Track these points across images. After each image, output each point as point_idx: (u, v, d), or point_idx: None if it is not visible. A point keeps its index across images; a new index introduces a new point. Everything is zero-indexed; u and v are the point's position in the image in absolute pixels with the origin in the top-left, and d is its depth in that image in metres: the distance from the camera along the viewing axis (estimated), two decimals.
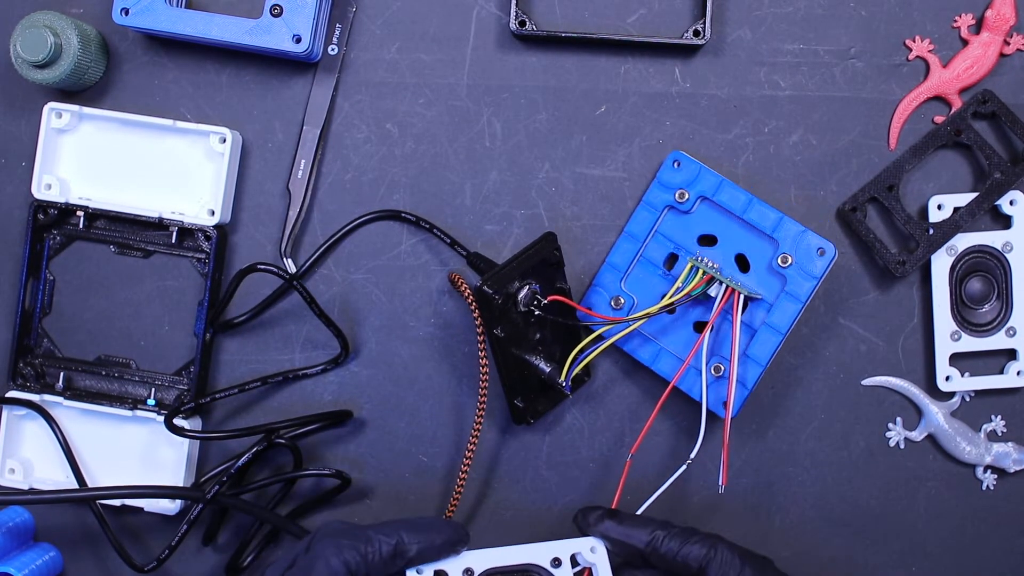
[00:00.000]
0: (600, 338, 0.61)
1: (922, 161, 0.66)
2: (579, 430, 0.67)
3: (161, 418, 0.65)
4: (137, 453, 0.67)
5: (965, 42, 0.65)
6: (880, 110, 0.66)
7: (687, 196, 0.63)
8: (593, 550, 0.57)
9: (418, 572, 0.54)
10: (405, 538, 0.54)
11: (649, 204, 0.64)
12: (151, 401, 0.67)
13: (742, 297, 0.61)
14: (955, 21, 0.66)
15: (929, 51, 0.65)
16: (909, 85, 0.66)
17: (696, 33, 0.64)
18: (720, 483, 0.61)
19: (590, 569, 0.57)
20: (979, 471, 0.66)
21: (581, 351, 0.61)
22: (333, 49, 0.67)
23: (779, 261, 0.62)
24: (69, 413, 0.67)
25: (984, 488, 0.66)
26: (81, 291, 0.68)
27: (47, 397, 0.67)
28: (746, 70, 0.66)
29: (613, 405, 0.67)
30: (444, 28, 0.67)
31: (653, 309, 0.61)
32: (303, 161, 0.67)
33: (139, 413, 0.66)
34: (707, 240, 0.64)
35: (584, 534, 0.58)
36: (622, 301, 0.64)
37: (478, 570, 0.55)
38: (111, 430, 0.67)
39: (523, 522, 0.67)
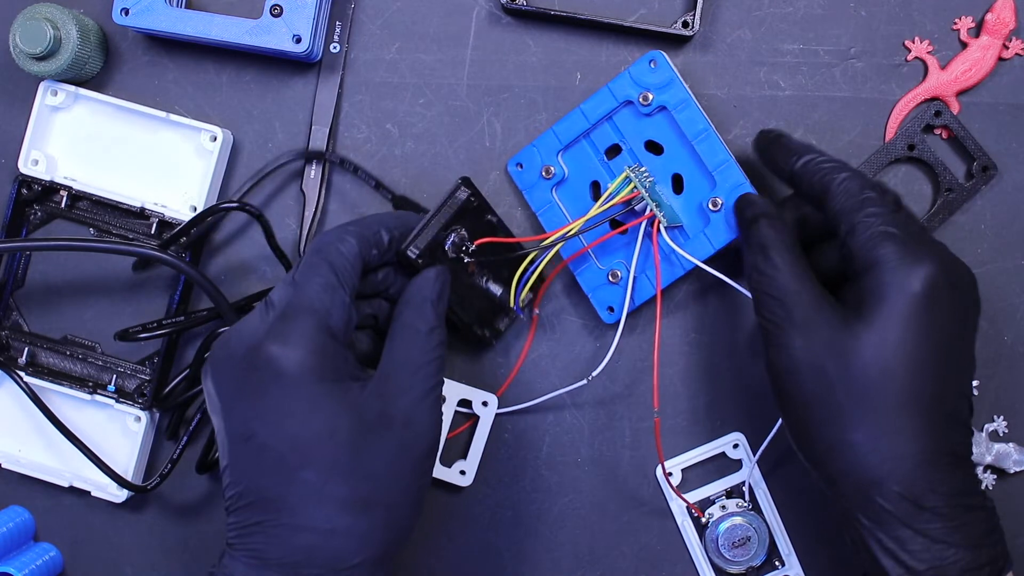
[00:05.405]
0: (541, 253, 0.62)
1: (877, 176, 0.65)
2: (579, 430, 0.67)
3: (119, 406, 0.66)
4: (90, 439, 0.66)
5: (964, 44, 0.66)
6: (880, 110, 0.66)
7: (651, 100, 0.63)
8: (485, 404, 0.65)
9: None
10: (392, 224, 0.57)
11: (612, 92, 0.63)
12: (111, 387, 0.67)
13: (661, 227, 0.62)
14: (955, 23, 0.66)
15: (928, 52, 0.66)
16: (909, 85, 0.66)
17: (685, 24, 0.65)
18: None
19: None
20: (979, 471, 0.66)
21: (523, 273, 0.62)
22: (335, 47, 0.67)
23: (710, 204, 0.62)
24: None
25: (984, 488, 0.66)
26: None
27: (8, 371, 0.66)
28: (746, 70, 0.66)
29: (613, 404, 0.67)
30: (444, 28, 0.67)
31: (578, 223, 0.62)
32: (314, 161, 0.67)
33: (98, 398, 0.66)
34: (654, 147, 0.64)
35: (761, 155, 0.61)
36: (552, 171, 0.64)
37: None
38: (67, 412, 0.67)
39: (523, 522, 0.67)
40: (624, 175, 0.62)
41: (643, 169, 0.62)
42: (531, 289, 0.64)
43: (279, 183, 0.67)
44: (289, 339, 0.51)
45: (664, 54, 0.63)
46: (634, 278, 0.63)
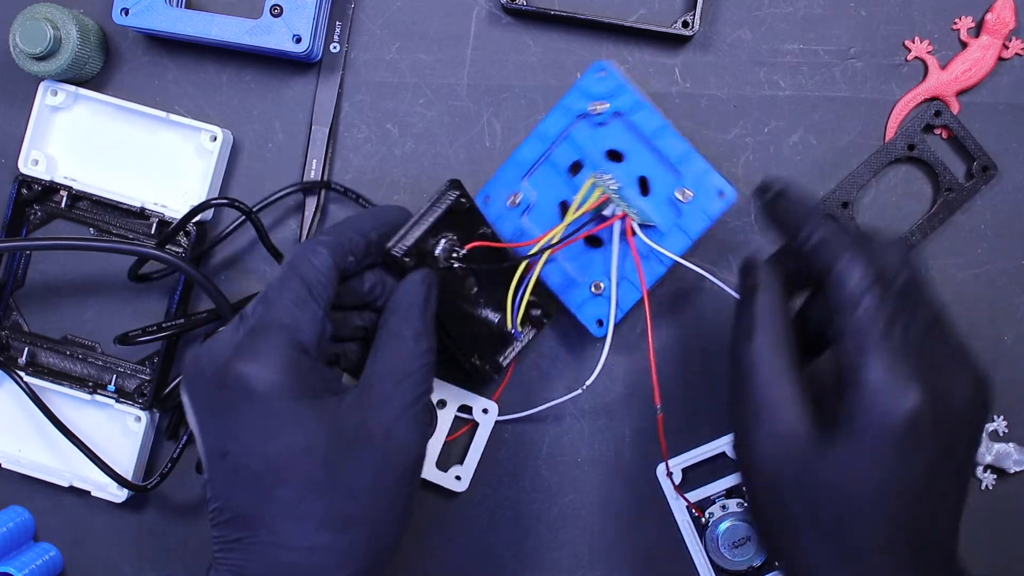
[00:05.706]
0: (527, 270, 0.60)
1: (877, 176, 0.65)
2: (579, 430, 0.67)
3: (119, 406, 0.66)
4: (90, 439, 0.66)
5: (964, 44, 0.66)
6: (880, 110, 0.66)
7: (602, 109, 0.62)
8: (486, 411, 0.65)
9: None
10: (368, 227, 0.55)
11: (565, 108, 0.63)
12: (111, 387, 0.67)
13: (634, 224, 0.60)
14: (955, 23, 0.66)
15: (928, 52, 0.66)
16: (909, 85, 0.66)
17: (685, 24, 0.65)
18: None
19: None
20: (979, 471, 0.66)
21: (516, 289, 0.60)
22: (335, 47, 0.67)
23: (678, 195, 0.61)
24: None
25: (983, 488, 0.66)
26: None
27: (8, 371, 0.67)
28: (746, 70, 0.66)
29: (614, 404, 0.67)
30: (444, 28, 0.67)
31: (560, 228, 0.60)
32: (315, 161, 0.67)
33: (98, 398, 0.66)
34: (615, 155, 0.63)
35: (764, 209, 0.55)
36: (519, 198, 0.63)
37: None
38: (67, 412, 0.67)
39: (523, 522, 0.67)
40: (590, 182, 0.61)
41: (607, 177, 0.61)
42: (525, 320, 0.62)
43: (265, 180, 0.67)
44: (258, 356, 0.49)
45: (612, 62, 0.62)
46: (617, 283, 0.62)
